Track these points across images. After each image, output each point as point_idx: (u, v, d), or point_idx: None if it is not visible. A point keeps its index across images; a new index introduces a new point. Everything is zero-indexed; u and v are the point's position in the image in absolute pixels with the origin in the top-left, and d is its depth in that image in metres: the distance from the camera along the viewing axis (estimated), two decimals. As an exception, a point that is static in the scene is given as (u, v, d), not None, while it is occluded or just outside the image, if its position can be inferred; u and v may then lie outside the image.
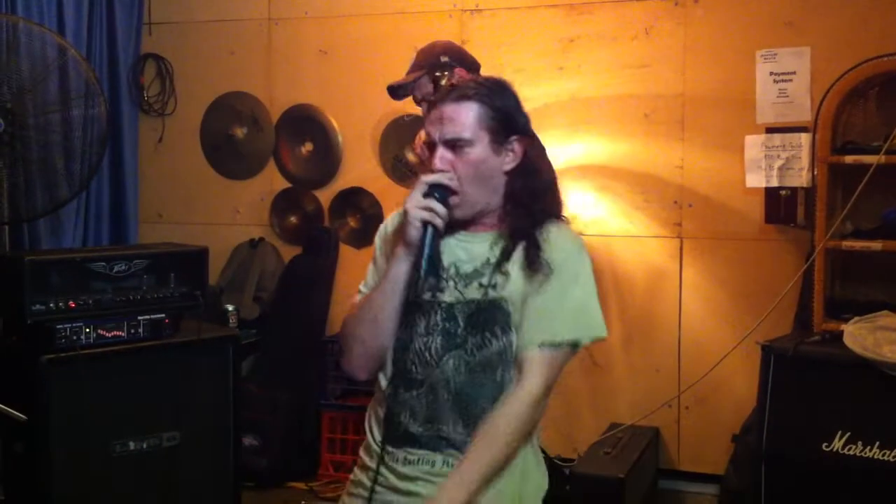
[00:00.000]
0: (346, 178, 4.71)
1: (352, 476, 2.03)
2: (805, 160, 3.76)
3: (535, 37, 4.32)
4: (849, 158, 3.52)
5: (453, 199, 1.88)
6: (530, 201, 1.94)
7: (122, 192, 4.88)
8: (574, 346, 1.90)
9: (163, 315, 3.49)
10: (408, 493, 1.90)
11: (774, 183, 3.85)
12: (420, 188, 1.87)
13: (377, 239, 2.06)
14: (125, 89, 4.90)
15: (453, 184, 1.87)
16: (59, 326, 3.27)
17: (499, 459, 1.83)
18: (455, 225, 1.93)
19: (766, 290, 3.83)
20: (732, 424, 3.84)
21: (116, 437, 3.39)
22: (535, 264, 1.87)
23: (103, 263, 3.45)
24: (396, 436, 1.91)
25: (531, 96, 4.27)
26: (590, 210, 4.25)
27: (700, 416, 4.11)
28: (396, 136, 4.52)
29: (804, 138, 3.77)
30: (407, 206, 1.87)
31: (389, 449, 1.92)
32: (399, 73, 3.38)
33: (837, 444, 3.17)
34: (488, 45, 4.37)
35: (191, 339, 3.56)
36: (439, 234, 1.87)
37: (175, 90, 4.98)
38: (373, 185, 4.62)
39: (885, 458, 3.08)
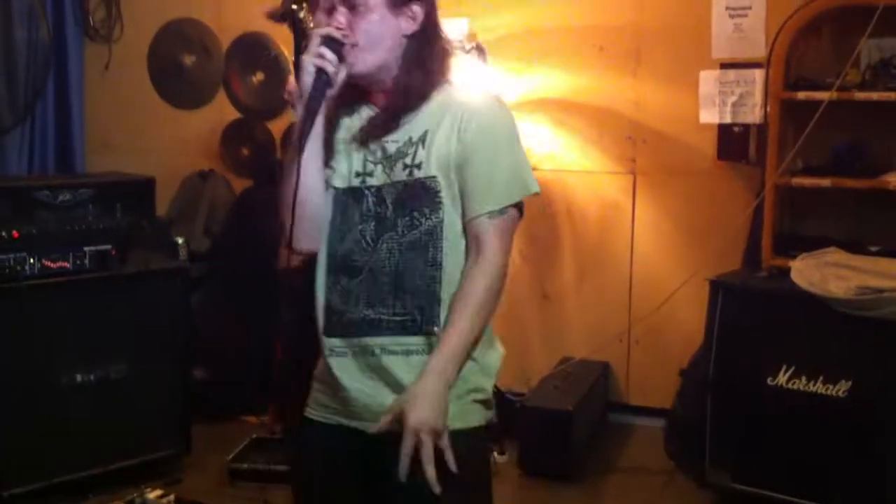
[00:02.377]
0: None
1: (315, 372, 2.02)
2: (758, 96, 3.75)
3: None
4: (801, 95, 3.52)
5: (347, 54, 1.86)
6: (429, 66, 1.92)
7: (68, 120, 4.77)
8: (517, 206, 1.92)
9: (109, 246, 3.45)
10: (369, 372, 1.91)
11: (728, 119, 3.84)
12: (314, 41, 1.84)
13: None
14: (70, 14, 4.75)
15: (347, 40, 1.85)
16: (1, 257, 3.21)
17: (477, 330, 1.86)
18: (364, 98, 1.95)
19: (718, 226, 3.85)
20: (681, 359, 3.89)
21: (63, 370, 3.37)
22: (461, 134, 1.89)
23: (47, 192, 3.39)
24: (338, 323, 1.91)
25: (487, 27, 4.21)
26: (545, 144, 4.23)
27: (649, 350, 4.16)
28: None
29: (758, 74, 3.76)
30: (302, 59, 1.86)
31: (335, 342, 1.92)
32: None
33: (782, 378, 3.22)
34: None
35: (138, 271, 3.52)
36: (330, 84, 1.84)
37: (122, 15, 4.84)
38: (326, 116, 4.55)
39: (828, 392, 3.14)
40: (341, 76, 1.85)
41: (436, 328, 1.86)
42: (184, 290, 3.69)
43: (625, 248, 4.16)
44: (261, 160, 4.64)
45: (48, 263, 3.32)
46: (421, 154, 1.89)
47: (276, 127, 4.65)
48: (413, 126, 1.91)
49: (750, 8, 3.85)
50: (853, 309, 3.07)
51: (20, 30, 3.84)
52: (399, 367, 1.87)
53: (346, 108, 1.95)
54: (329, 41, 1.84)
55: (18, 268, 3.25)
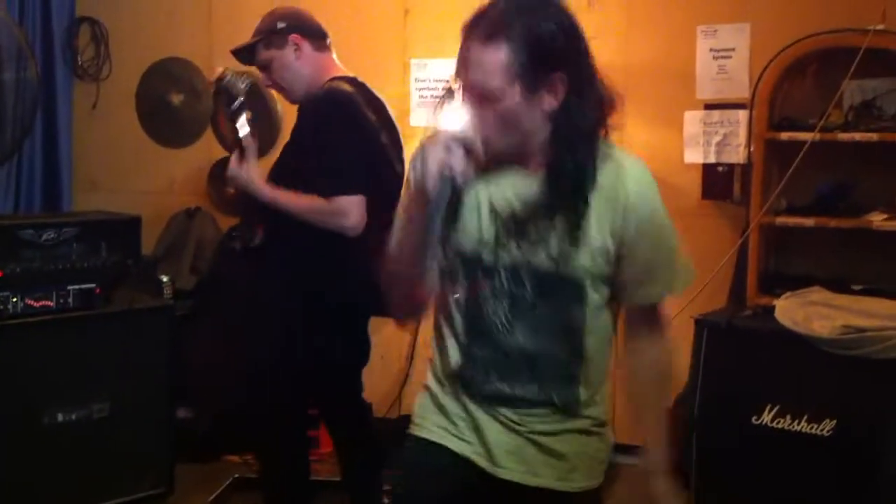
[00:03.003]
0: (286, 147, 4.64)
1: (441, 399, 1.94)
2: (742, 136, 3.78)
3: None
4: (784, 135, 3.55)
5: (477, 150, 1.69)
6: (577, 142, 1.74)
7: (56, 159, 4.78)
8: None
9: (93, 285, 3.43)
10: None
11: (712, 159, 3.87)
12: (438, 141, 1.67)
13: (409, 170, 1.82)
14: (59, 53, 4.77)
15: (475, 140, 1.68)
16: (-16, 295, 3.20)
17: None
18: (499, 160, 1.76)
19: (703, 264, 3.84)
20: (667, 397, 3.87)
21: (45, 409, 3.35)
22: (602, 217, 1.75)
23: (32, 231, 3.38)
24: (474, 389, 1.85)
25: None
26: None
27: (636, 388, 4.14)
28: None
29: (742, 115, 3.79)
30: (427, 156, 1.67)
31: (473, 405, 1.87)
32: (333, 39, 3.33)
33: (767, 416, 3.22)
34: (433, 14, 4.32)
35: (122, 310, 3.51)
36: (456, 187, 1.68)
37: (110, 55, 4.86)
38: (312, 155, 4.56)
39: (813, 431, 3.13)
40: (470, 174, 1.69)
41: (576, 406, 1.86)
42: (169, 329, 3.67)
43: (611, 287, 4.15)
44: (247, 198, 4.63)
45: (31, 302, 3.30)
46: (568, 249, 1.74)
47: (263, 165, 4.64)
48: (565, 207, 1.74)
49: (734, 49, 3.89)
50: (837, 348, 3.07)
51: (8, 70, 3.85)
52: (544, 438, 1.86)
53: (486, 170, 1.76)
54: (455, 142, 1.67)
55: (1, 307, 3.23)
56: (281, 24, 3.08)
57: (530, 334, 1.79)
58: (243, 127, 3.07)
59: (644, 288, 1.84)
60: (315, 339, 2.97)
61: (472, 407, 1.86)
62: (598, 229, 1.74)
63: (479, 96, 1.69)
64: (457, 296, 1.83)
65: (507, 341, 1.80)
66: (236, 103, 3.07)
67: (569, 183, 1.73)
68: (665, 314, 1.88)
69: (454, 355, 1.86)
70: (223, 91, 3.10)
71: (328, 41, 3.17)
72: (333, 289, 2.93)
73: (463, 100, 1.72)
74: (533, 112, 1.71)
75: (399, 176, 2.99)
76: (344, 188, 2.82)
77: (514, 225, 1.76)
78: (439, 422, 1.90)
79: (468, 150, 1.66)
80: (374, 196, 2.84)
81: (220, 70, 3.18)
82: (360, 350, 3.20)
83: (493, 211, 1.77)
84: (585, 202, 1.73)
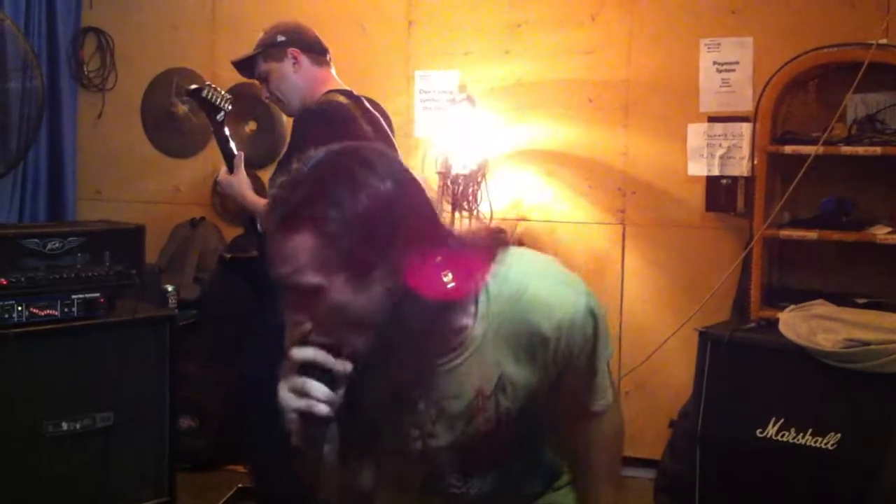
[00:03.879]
0: (290, 158, 4.65)
1: None
2: (746, 149, 3.80)
3: (482, 20, 4.31)
4: (788, 148, 3.55)
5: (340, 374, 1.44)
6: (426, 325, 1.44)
7: (61, 168, 4.78)
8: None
9: (97, 294, 3.44)
10: None
11: (716, 171, 3.88)
12: (288, 374, 1.44)
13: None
14: (64, 63, 4.79)
15: (328, 360, 1.42)
16: (-11, 304, 3.20)
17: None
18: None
19: (706, 277, 3.87)
20: (670, 410, 3.87)
21: (49, 418, 3.34)
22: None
23: (36, 240, 3.38)
24: None
25: (478, 79, 4.27)
26: (535, 195, 4.25)
27: (639, 401, 4.14)
28: (341, 117, 4.47)
29: (745, 128, 3.80)
30: (280, 394, 1.43)
31: None
32: (339, 52, 3.35)
33: (771, 430, 3.21)
34: (436, 27, 4.35)
35: (126, 319, 3.51)
36: (327, 421, 1.43)
37: (115, 65, 4.88)
38: (316, 166, 4.57)
39: (818, 444, 3.13)
40: (338, 402, 1.43)
41: None
42: (172, 338, 3.67)
43: (614, 299, 4.16)
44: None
45: (36, 311, 3.30)
46: (505, 403, 1.54)
47: (267, 175, 4.66)
48: (471, 371, 1.51)
49: (737, 63, 3.90)
50: (841, 361, 3.07)
51: (14, 80, 3.86)
52: None
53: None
54: (310, 370, 1.41)
55: (6, 315, 3.23)
56: (280, 38, 3.12)
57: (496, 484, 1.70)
58: (229, 139, 3.10)
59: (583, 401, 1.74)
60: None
61: None
62: (521, 373, 1.58)
63: (304, 291, 1.42)
64: None
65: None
66: (219, 115, 3.10)
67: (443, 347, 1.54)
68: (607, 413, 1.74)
69: None
70: (204, 104, 3.12)
71: (328, 56, 3.21)
72: None
73: (289, 311, 1.47)
74: (370, 301, 1.42)
75: None
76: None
77: (436, 411, 1.58)
78: None
79: (329, 377, 1.42)
80: None
81: (193, 85, 3.20)
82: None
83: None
84: None
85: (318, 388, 1.40)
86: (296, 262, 1.38)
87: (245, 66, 3.20)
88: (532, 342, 1.51)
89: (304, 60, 3.12)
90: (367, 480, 1.60)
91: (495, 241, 1.55)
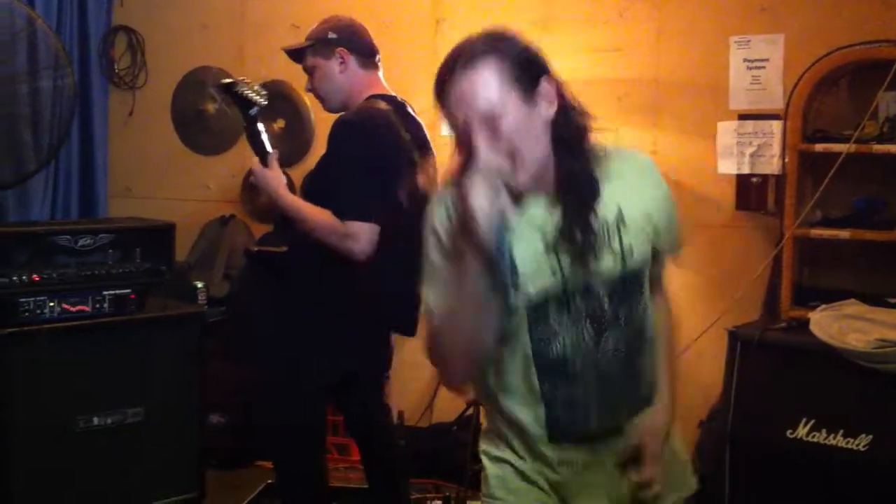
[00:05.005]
0: (319, 155, 4.64)
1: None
2: (776, 147, 3.76)
3: (509, 18, 4.27)
4: (819, 147, 3.52)
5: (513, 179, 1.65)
6: (579, 145, 1.77)
7: (92, 166, 4.83)
8: None
9: (128, 290, 3.47)
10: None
11: (746, 170, 3.85)
12: (484, 177, 1.60)
13: (428, 235, 1.79)
14: (95, 62, 4.84)
15: (510, 174, 1.64)
16: (21, 300, 3.24)
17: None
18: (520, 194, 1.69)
19: (736, 276, 3.83)
20: (699, 410, 3.85)
21: (79, 413, 3.38)
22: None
23: (68, 237, 3.41)
24: (566, 433, 1.81)
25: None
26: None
27: (667, 400, 4.11)
28: (369, 115, 4.48)
29: (776, 126, 3.77)
30: (471, 197, 1.59)
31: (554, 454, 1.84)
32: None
33: (802, 431, 3.19)
34: (463, 25, 4.32)
35: (156, 316, 3.54)
36: (508, 228, 1.64)
37: (146, 63, 4.92)
38: (345, 164, 4.58)
39: (849, 445, 3.10)
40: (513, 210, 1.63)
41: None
42: (201, 335, 3.70)
43: (643, 298, 4.13)
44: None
45: (67, 307, 3.34)
46: (627, 237, 1.77)
47: (296, 174, 4.66)
48: (601, 207, 1.76)
49: (768, 60, 3.87)
50: (872, 362, 3.04)
51: (45, 78, 3.90)
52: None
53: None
54: (497, 177, 1.61)
55: (38, 311, 3.27)
56: (332, 35, 3.09)
57: (620, 346, 1.79)
58: (262, 133, 3.09)
59: (661, 255, 1.90)
60: (333, 350, 2.97)
61: (559, 466, 1.85)
62: (631, 216, 1.78)
63: (482, 121, 1.66)
64: (519, 346, 1.78)
65: (595, 362, 1.78)
66: (253, 110, 3.09)
67: (583, 186, 1.76)
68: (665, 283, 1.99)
69: (526, 415, 1.82)
70: (237, 99, 3.11)
71: (377, 58, 3.18)
72: (352, 300, 2.94)
73: (465, 140, 1.68)
74: (535, 122, 1.70)
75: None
76: (360, 214, 2.83)
77: (568, 245, 1.73)
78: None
79: (505, 185, 1.62)
80: (394, 215, 2.85)
81: (226, 80, 3.20)
82: (379, 361, 3.21)
83: (544, 241, 1.74)
84: (595, 195, 1.77)
85: (503, 190, 1.60)
86: (480, 95, 1.66)
87: (294, 54, 3.18)
88: (631, 186, 1.80)
89: (352, 62, 3.09)
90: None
91: None
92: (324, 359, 2.98)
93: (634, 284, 1.80)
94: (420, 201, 2.93)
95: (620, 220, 1.76)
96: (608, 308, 1.76)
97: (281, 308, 3.14)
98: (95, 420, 3.40)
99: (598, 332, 1.76)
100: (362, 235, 2.82)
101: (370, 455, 3.30)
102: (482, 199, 1.58)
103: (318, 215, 2.88)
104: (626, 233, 1.77)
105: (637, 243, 1.78)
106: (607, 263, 1.75)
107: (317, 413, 3.15)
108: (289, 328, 3.08)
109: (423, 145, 3.10)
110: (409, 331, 3.02)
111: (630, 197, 1.79)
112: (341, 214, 2.84)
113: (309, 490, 3.16)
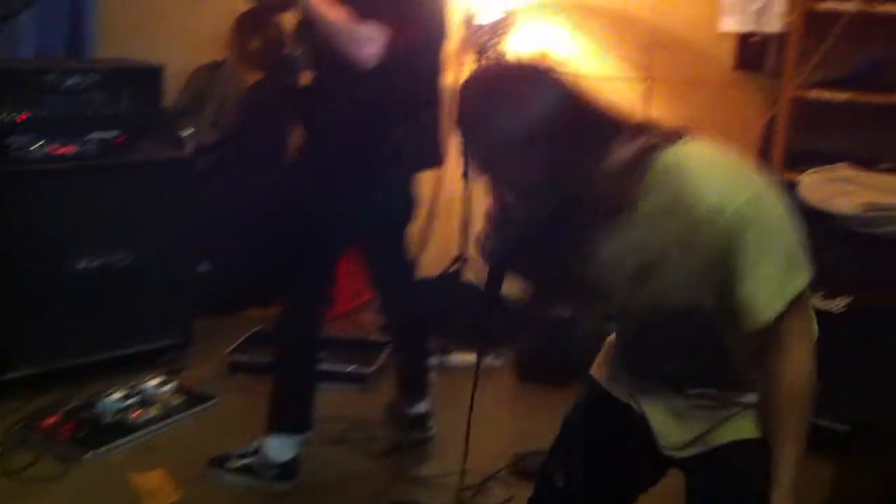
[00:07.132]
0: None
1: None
2: (782, 4, 3.66)
3: None
4: (823, 5, 3.43)
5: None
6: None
7: (80, 6, 4.70)
8: None
9: (115, 133, 3.42)
10: None
11: (749, 26, 3.75)
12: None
13: None
14: None
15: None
16: (7, 139, 3.21)
17: None
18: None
19: (731, 136, 3.71)
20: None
21: (67, 255, 3.37)
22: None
23: (55, 76, 3.35)
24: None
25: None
26: (563, 48, 4.15)
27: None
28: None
29: (782, -19, 3.66)
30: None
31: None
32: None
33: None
34: None
35: (143, 160, 3.51)
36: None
37: None
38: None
39: (826, 308, 3.11)
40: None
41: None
42: (189, 182, 3.67)
43: (637, 157, 4.10)
44: (271, 53, 4.56)
45: (54, 147, 3.30)
46: (663, 283, 1.68)
47: (288, 20, 4.56)
48: (633, 240, 1.66)
49: (777, -88, 3.72)
50: (859, 226, 3.03)
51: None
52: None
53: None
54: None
55: (24, 151, 3.24)
56: None
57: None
58: None
59: None
60: (358, 188, 2.91)
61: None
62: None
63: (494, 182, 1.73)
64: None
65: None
66: None
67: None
68: None
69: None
70: None
71: None
72: (379, 136, 2.87)
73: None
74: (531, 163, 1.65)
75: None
76: (378, 14, 2.73)
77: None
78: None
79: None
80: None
81: None
82: (405, 204, 3.17)
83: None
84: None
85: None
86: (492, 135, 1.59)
87: None
88: (686, 223, 1.55)
89: None
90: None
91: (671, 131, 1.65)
92: (349, 196, 2.90)
93: None
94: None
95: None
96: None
97: (309, 139, 3.07)
98: (83, 262, 3.41)
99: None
100: (375, 39, 2.75)
101: (392, 308, 3.30)
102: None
103: (335, 14, 2.78)
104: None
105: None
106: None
107: (337, 254, 3.09)
108: (311, 165, 3.01)
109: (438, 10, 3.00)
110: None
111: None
112: (360, 13, 2.73)
113: (306, 332, 3.09)
